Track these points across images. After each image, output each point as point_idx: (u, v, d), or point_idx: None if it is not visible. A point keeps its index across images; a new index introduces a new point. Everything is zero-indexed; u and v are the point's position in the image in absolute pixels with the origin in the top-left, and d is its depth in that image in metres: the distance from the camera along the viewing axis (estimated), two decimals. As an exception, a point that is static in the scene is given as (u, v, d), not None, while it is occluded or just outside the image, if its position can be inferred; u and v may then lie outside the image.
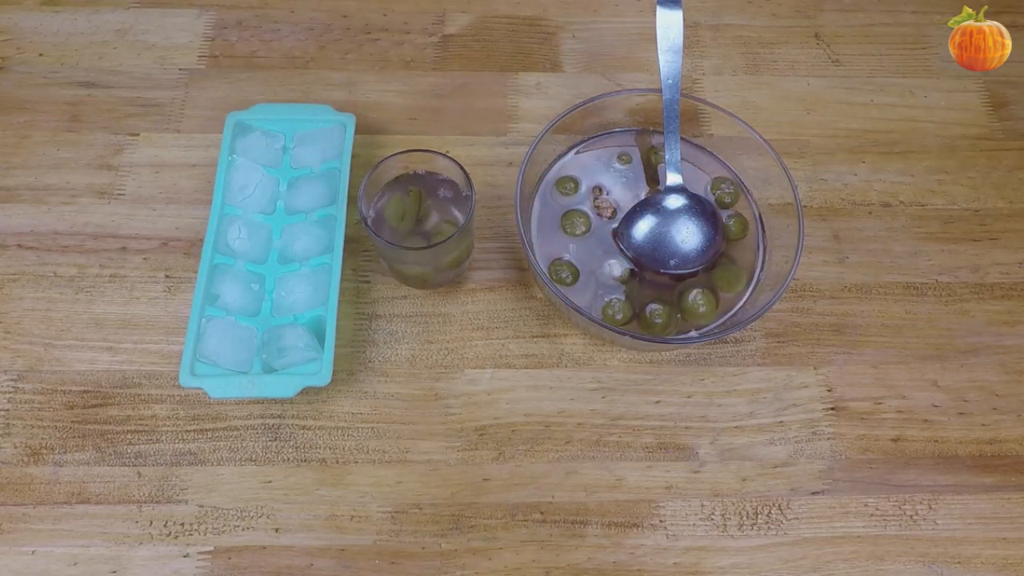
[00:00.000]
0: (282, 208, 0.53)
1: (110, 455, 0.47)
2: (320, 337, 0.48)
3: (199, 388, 0.46)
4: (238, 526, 0.46)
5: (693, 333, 0.49)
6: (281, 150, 0.55)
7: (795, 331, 0.53)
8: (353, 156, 0.54)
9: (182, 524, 0.46)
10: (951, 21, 0.49)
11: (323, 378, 0.46)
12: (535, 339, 0.52)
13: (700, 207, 0.51)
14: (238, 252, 0.50)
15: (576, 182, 0.54)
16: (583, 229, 0.52)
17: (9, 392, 0.49)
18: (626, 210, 0.52)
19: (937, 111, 0.61)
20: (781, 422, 0.50)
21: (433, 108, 0.59)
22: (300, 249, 0.51)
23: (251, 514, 0.46)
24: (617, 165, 0.55)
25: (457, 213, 0.49)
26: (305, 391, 0.48)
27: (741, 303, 0.50)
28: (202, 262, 0.49)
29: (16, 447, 0.47)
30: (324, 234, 0.51)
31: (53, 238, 0.53)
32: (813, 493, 0.48)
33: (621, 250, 0.51)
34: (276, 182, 0.54)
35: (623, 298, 0.50)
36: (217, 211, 0.51)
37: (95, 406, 0.49)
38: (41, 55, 0.60)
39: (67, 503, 0.46)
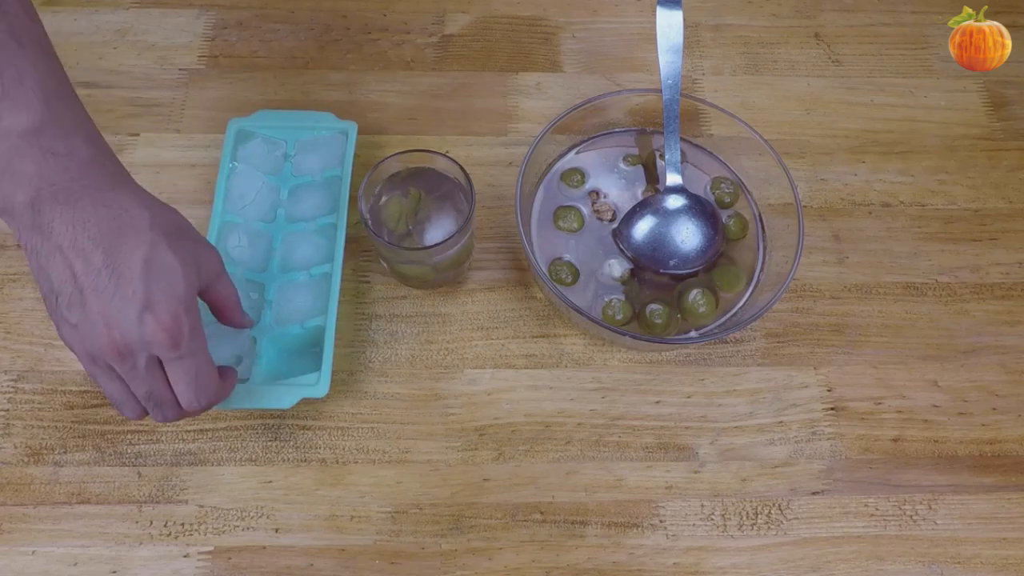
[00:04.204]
0: (283, 216, 0.53)
1: (110, 455, 0.47)
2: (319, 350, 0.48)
3: None
4: (238, 526, 0.46)
5: (693, 333, 0.49)
6: (282, 157, 0.55)
7: (795, 331, 0.53)
8: (354, 156, 0.54)
9: (182, 524, 0.46)
10: (951, 21, 0.49)
11: (320, 389, 0.46)
12: (535, 339, 0.52)
13: (700, 207, 0.51)
14: (238, 260, 0.50)
15: (583, 173, 0.54)
16: (576, 225, 0.52)
17: (9, 392, 0.49)
18: (625, 212, 0.52)
19: (937, 111, 0.61)
20: (781, 422, 0.50)
21: (433, 108, 0.59)
22: (300, 258, 0.51)
23: (251, 514, 0.46)
24: (622, 166, 0.55)
25: (457, 213, 0.49)
26: (305, 391, 0.48)
27: (741, 303, 0.50)
28: None
29: (16, 447, 0.47)
30: (324, 243, 0.51)
31: (53, 238, 0.53)
32: (813, 493, 0.48)
33: (621, 250, 0.51)
34: (277, 190, 0.53)
35: (623, 298, 0.50)
36: (217, 218, 0.50)
37: (95, 406, 0.49)
38: (41, 55, 0.60)
39: (67, 503, 0.46)
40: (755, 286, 0.51)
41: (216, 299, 0.42)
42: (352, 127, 0.54)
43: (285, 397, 0.46)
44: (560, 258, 0.51)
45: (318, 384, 0.46)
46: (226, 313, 0.43)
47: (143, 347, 0.35)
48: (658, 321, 0.49)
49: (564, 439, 0.49)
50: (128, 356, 0.35)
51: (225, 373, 0.42)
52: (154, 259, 0.35)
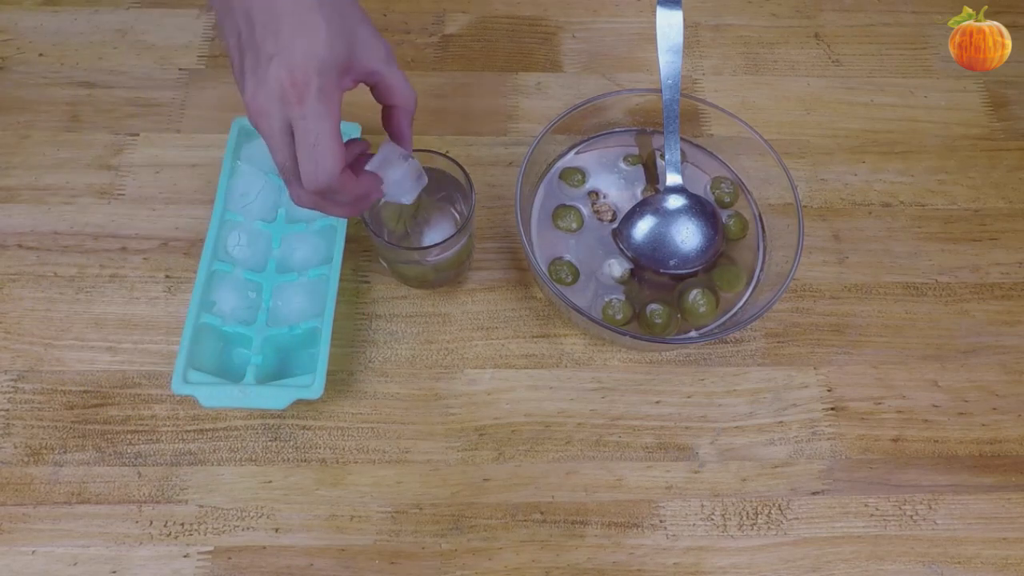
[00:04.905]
0: (283, 216, 0.52)
1: (110, 455, 0.47)
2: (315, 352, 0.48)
3: (191, 396, 0.46)
4: (238, 526, 0.46)
5: (693, 333, 0.49)
6: None
7: (795, 331, 0.53)
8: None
9: (182, 524, 0.46)
10: (951, 21, 0.49)
11: (315, 391, 0.45)
12: (535, 339, 0.52)
13: (700, 207, 0.51)
14: (237, 259, 0.50)
15: (583, 173, 0.54)
16: (576, 225, 0.52)
17: (9, 392, 0.49)
18: (626, 211, 0.52)
19: (937, 111, 0.61)
20: (781, 422, 0.50)
21: (433, 108, 0.59)
22: (299, 259, 0.51)
23: (251, 514, 0.46)
24: (622, 166, 0.55)
25: (457, 213, 0.49)
26: (305, 391, 0.48)
27: (741, 303, 0.50)
28: (200, 268, 0.48)
29: (16, 447, 0.47)
30: (324, 244, 0.51)
31: (53, 238, 0.53)
32: (813, 493, 0.48)
33: (621, 250, 0.51)
34: (279, 189, 0.53)
35: (623, 298, 0.50)
36: (218, 216, 0.50)
37: (95, 406, 0.49)
38: (41, 55, 0.60)
39: (67, 503, 0.46)
40: (755, 286, 0.51)
41: (381, 93, 0.41)
42: (355, 128, 0.54)
43: (280, 398, 0.45)
44: (560, 258, 0.51)
45: (313, 385, 0.46)
46: (392, 118, 0.42)
47: (275, 105, 0.35)
48: (658, 321, 0.49)
49: (564, 439, 0.49)
50: (264, 117, 0.35)
51: (365, 173, 0.41)
52: (300, 20, 0.35)
